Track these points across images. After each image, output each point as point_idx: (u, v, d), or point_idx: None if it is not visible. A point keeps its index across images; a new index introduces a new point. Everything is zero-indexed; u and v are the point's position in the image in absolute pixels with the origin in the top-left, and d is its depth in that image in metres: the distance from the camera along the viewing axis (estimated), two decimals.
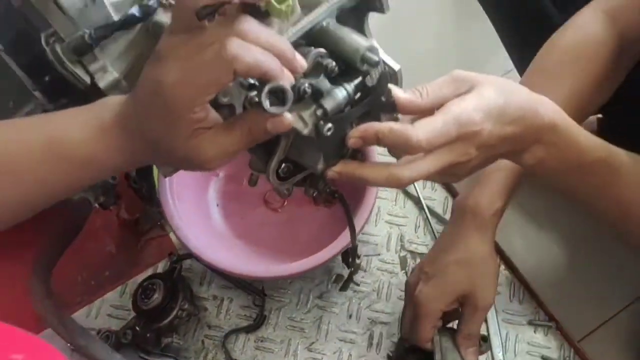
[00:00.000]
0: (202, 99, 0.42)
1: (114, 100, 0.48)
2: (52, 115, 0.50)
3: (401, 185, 0.52)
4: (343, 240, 0.79)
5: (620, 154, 0.62)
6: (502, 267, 0.91)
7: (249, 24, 0.41)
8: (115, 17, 0.52)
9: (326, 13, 0.48)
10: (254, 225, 0.95)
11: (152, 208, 0.94)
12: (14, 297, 0.81)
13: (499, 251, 0.91)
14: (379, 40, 0.52)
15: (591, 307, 1.05)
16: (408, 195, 0.97)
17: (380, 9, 0.51)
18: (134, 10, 0.51)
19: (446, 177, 0.57)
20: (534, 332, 0.87)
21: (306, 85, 0.46)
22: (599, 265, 1.05)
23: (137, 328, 0.84)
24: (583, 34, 0.74)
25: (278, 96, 0.43)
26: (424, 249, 0.93)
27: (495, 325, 0.86)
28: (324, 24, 0.49)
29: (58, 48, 0.51)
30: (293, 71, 0.44)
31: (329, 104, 0.47)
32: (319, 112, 0.47)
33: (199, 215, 0.91)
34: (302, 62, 0.45)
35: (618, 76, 0.75)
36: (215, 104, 0.47)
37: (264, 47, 0.42)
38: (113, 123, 0.47)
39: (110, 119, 0.47)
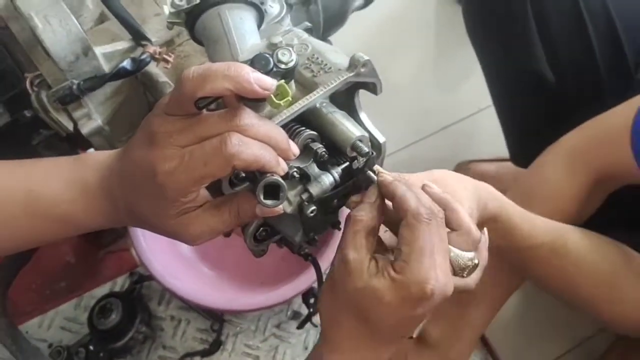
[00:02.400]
0: (195, 187, 0.41)
1: (96, 160, 0.47)
2: (33, 166, 0.48)
3: None
4: (306, 280, 0.80)
5: (569, 240, 0.67)
6: None
7: (250, 119, 0.41)
8: (106, 67, 0.51)
9: (322, 97, 0.48)
10: (219, 246, 0.94)
11: None
12: None
13: None
14: None
15: (537, 348, 1.10)
16: None
17: (373, 91, 0.52)
18: (126, 63, 0.50)
19: None
20: None
21: (295, 170, 0.46)
22: (546, 307, 1.09)
23: (90, 346, 0.83)
24: (541, 178, 0.79)
25: (274, 189, 0.43)
26: None
27: None
28: (317, 105, 0.49)
29: (44, 96, 0.49)
30: (286, 159, 0.44)
31: (315, 189, 0.48)
32: (305, 195, 0.48)
33: None
34: (295, 150, 0.45)
35: (590, 206, 0.78)
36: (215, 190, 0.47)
37: (261, 140, 0.42)
38: (96, 187, 0.46)
39: (93, 182, 0.46)
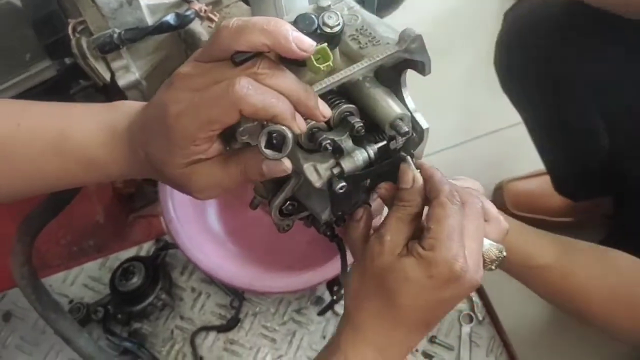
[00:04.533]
0: (204, 134, 0.40)
1: (130, 107, 0.46)
2: (68, 108, 0.48)
3: None
4: (332, 268, 0.77)
5: (573, 262, 0.67)
6: (487, 320, 0.90)
7: (269, 67, 0.39)
8: (149, 20, 0.50)
9: (365, 69, 0.46)
10: (249, 224, 0.93)
11: (149, 187, 0.92)
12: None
13: (487, 304, 0.90)
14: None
15: None
16: None
17: (421, 71, 0.49)
18: (170, 18, 0.48)
19: None
20: None
21: (328, 142, 0.44)
22: (578, 334, 1.04)
23: (110, 307, 0.83)
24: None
25: (278, 140, 0.41)
26: None
27: None
28: (360, 78, 0.47)
29: (84, 42, 0.49)
30: (314, 119, 0.42)
31: (347, 165, 0.45)
32: (336, 170, 0.45)
33: (194, 204, 0.89)
34: (325, 112, 0.43)
35: None
36: (231, 137, 0.45)
37: (281, 92, 0.40)
38: (123, 133, 0.45)
39: (121, 128, 0.45)
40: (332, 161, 0.46)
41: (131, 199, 0.94)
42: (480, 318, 0.88)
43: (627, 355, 1.04)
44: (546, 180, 1.16)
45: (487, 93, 1.31)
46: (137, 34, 0.47)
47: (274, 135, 0.40)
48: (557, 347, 1.05)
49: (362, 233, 0.50)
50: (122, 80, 0.51)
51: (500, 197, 1.23)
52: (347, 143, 0.46)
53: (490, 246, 0.50)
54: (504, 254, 0.50)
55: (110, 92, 0.55)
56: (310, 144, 0.46)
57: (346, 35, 0.47)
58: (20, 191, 0.49)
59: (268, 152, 0.40)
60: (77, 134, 0.46)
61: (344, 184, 0.46)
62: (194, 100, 0.39)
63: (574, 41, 0.86)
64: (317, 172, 0.46)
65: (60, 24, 0.52)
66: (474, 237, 0.45)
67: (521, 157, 1.25)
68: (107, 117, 0.46)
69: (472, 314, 0.89)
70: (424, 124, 0.52)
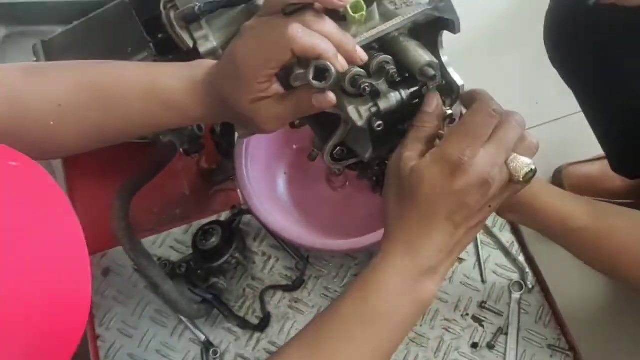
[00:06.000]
0: (265, 71, 0.50)
1: (207, 63, 0.58)
2: (158, 66, 0.60)
3: None
4: None
5: (616, 221, 0.69)
6: (537, 288, 0.94)
7: (316, 16, 0.49)
8: None
9: (399, 25, 0.54)
10: (313, 198, 1.03)
11: (228, 163, 1.04)
12: (99, 215, 0.93)
13: (537, 273, 0.94)
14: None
15: (617, 350, 1.05)
16: None
17: (452, 29, 0.57)
18: None
19: None
20: (550, 356, 0.90)
21: (367, 84, 0.53)
22: (637, 314, 1.05)
23: (192, 263, 0.95)
24: None
25: (323, 73, 0.50)
26: (464, 255, 0.97)
27: (514, 341, 0.90)
28: (396, 34, 0.55)
29: (172, 14, 0.61)
30: (353, 61, 0.51)
31: (383, 104, 0.54)
32: (373, 109, 0.54)
33: (265, 178, 1.00)
34: (362, 55, 0.52)
35: None
36: (288, 85, 0.55)
37: (325, 35, 0.49)
38: (202, 80, 0.56)
39: (201, 77, 0.57)
40: (371, 103, 0.55)
41: (212, 174, 1.06)
42: (530, 286, 0.93)
43: None
44: (606, 164, 1.17)
45: (547, 84, 1.35)
46: (213, 6, 0.59)
47: (321, 67, 0.49)
48: (607, 318, 1.06)
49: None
50: (203, 48, 0.62)
51: (559, 180, 1.24)
52: (383, 87, 0.54)
53: (516, 157, 0.52)
54: (533, 167, 0.51)
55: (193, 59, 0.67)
56: (352, 89, 0.55)
57: (384, 0, 0.56)
58: (118, 132, 0.61)
59: (315, 82, 0.50)
60: (166, 84, 0.57)
61: (380, 122, 0.55)
62: (257, 43, 0.49)
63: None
64: (358, 112, 0.55)
65: (156, 4, 0.64)
66: (497, 143, 0.50)
67: (581, 144, 1.27)
68: (189, 71, 0.57)
69: (522, 282, 0.93)
70: (459, 81, 0.60)
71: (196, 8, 0.59)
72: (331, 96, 0.51)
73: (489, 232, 0.98)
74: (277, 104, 0.53)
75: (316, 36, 0.49)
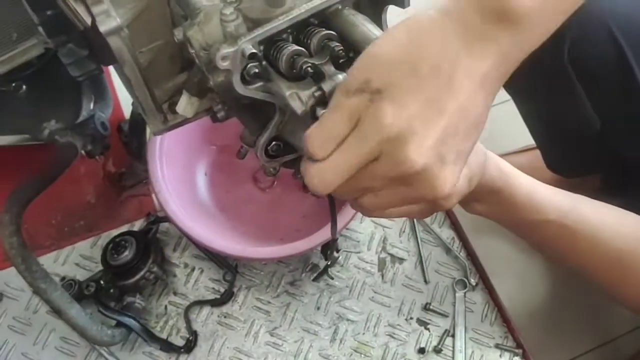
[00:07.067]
0: None
1: None
2: None
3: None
4: (325, 233, 0.77)
5: (581, 215, 0.65)
6: (481, 285, 0.89)
7: None
8: None
9: None
10: (239, 200, 0.93)
11: (139, 165, 0.92)
12: None
13: (480, 270, 0.90)
14: None
15: (561, 342, 1.05)
16: None
17: (400, 3, 0.49)
18: None
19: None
20: (500, 356, 0.85)
21: (309, 64, 0.44)
22: (577, 304, 1.04)
23: (102, 282, 0.83)
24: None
25: None
26: (404, 255, 0.91)
27: (462, 342, 0.85)
28: (339, 6, 0.47)
29: None
30: None
31: (328, 87, 0.45)
32: (317, 94, 0.46)
33: (184, 180, 0.89)
34: None
35: None
36: None
37: None
38: None
39: None
40: (314, 87, 0.46)
41: (122, 178, 0.94)
42: (474, 283, 0.88)
43: (623, 323, 1.03)
44: (536, 155, 1.16)
45: None
46: None
47: None
48: (549, 310, 1.05)
49: None
50: (103, 26, 0.51)
51: None
52: (328, 67, 0.46)
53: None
54: None
55: (92, 42, 0.56)
56: (292, 72, 0.46)
57: None
58: None
59: None
60: None
61: (325, 110, 0.46)
62: None
63: None
64: (299, 98, 0.46)
65: None
66: None
67: (511, 134, 1.25)
68: None
69: (465, 279, 0.88)
70: None
71: None
72: None
73: (428, 229, 0.93)
74: None
75: None
